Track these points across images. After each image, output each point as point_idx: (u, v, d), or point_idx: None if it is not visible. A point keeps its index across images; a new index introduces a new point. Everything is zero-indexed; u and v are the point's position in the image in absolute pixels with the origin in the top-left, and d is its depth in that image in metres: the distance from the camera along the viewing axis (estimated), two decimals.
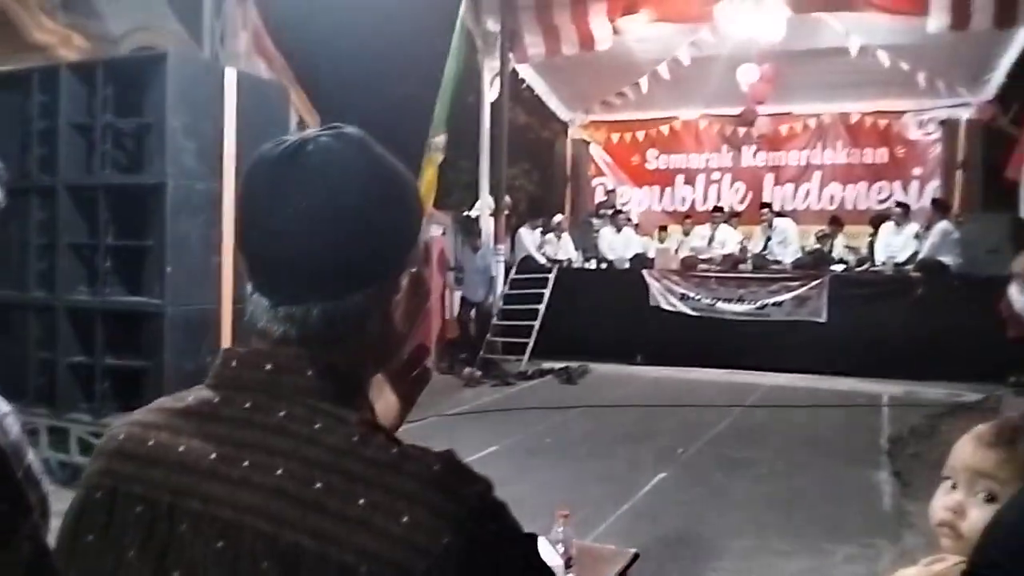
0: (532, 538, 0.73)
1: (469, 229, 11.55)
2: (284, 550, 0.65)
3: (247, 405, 0.72)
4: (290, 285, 0.73)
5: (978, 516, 1.02)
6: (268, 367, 0.73)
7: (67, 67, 4.74)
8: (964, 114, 11.62)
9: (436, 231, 11.05)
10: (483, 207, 11.28)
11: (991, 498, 1.03)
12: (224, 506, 0.68)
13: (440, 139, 10.01)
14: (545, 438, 6.26)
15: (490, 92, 11.04)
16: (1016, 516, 0.65)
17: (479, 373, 9.36)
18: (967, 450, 1.07)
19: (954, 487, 1.08)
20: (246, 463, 0.69)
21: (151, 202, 4.42)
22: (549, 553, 1.98)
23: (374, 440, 0.70)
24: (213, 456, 0.71)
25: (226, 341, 4.58)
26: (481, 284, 10.90)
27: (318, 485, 0.66)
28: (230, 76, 4.69)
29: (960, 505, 1.06)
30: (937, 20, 8.78)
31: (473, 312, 10.79)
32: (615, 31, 10.31)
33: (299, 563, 0.65)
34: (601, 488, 4.89)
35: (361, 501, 0.65)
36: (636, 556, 2.31)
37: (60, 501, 0.99)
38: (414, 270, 0.78)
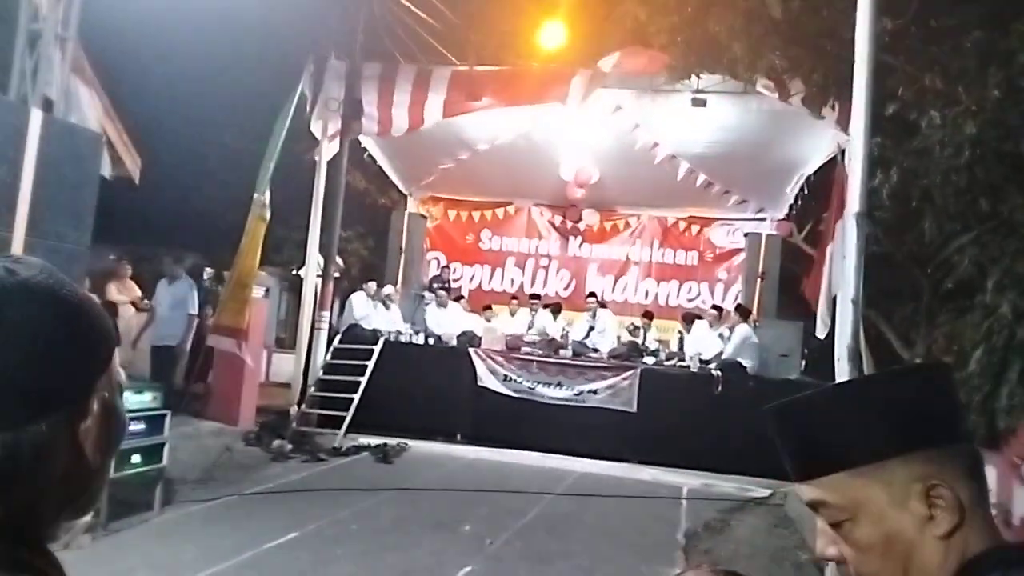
0: None
1: (293, 286, 11.14)
2: None
3: None
4: None
5: None
6: None
7: None
8: (765, 229, 12.91)
9: (258, 292, 10.59)
10: (310, 267, 10.98)
11: None
12: None
13: (264, 197, 9.71)
14: (351, 524, 6.01)
15: (327, 151, 10.92)
16: None
17: (290, 447, 8.90)
18: None
19: None
20: None
21: None
22: None
23: None
24: None
25: None
26: (175, 324, 9.42)
27: None
28: (35, 120, 4.31)
29: None
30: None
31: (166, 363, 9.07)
32: (444, 115, 10.57)
33: None
34: None
35: None
36: None
37: None
38: (106, 395, 0.74)
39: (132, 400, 5.89)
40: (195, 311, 9.75)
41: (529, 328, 11.55)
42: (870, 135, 3.93)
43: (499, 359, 10.52)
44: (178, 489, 6.52)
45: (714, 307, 11.50)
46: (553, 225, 14.10)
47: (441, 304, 11.90)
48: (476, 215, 14.33)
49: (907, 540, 0.84)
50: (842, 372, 4.22)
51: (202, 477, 7.11)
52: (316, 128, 11.00)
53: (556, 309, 12.21)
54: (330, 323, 11.12)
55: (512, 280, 14.18)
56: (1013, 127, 5.91)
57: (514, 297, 12.96)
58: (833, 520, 0.88)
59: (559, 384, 10.23)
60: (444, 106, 10.30)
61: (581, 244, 14.00)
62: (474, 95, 10.24)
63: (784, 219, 12.69)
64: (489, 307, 12.45)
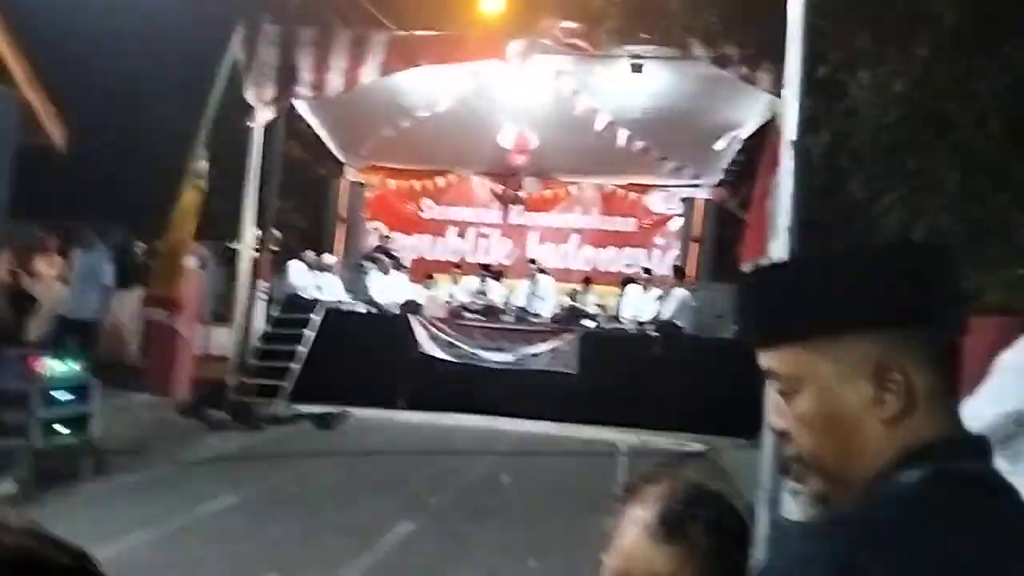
0: None
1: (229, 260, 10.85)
2: None
3: None
4: None
5: None
6: None
7: None
8: (700, 194, 13.12)
9: (192, 263, 10.32)
10: (246, 238, 10.71)
11: None
12: None
13: (202, 165, 9.42)
14: (291, 488, 5.96)
15: (262, 117, 10.61)
16: None
17: (228, 417, 8.73)
18: (641, 550, 0.96)
19: None
20: None
21: None
22: None
23: None
24: None
25: None
26: (88, 295, 8.81)
27: None
28: None
29: None
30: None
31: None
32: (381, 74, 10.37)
33: None
34: (343, 541, 4.71)
35: None
36: None
37: None
38: None
39: (57, 370, 5.71)
40: (110, 282, 9.08)
41: (480, 295, 11.55)
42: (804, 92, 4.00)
43: (441, 326, 10.50)
44: (110, 460, 6.33)
45: (644, 270, 11.68)
46: (494, 194, 14.03)
47: (383, 270, 11.78)
48: (417, 184, 14.16)
49: (850, 420, 0.81)
50: None
51: (135, 448, 6.93)
52: (250, 95, 10.65)
53: (497, 276, 12.23)
54: (268, 294, 10.91)
55: (454, 249, 14.11)
56: (939, 86, 6.10)
57: (456, 266, 12.91)
58: (781, 391, 0.85)
59: (501, 349, 10.28)
60: (381, 68, 10.11)
61: (522, 212, 14.00)
62: (411, 59, 10.08)
63: (718, 185, 12.91)
64: (431, 276, 12.38)
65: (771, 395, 0.90)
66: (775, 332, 0.85)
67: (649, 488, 1.01)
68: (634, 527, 0.97)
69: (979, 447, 0.82)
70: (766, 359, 0.87)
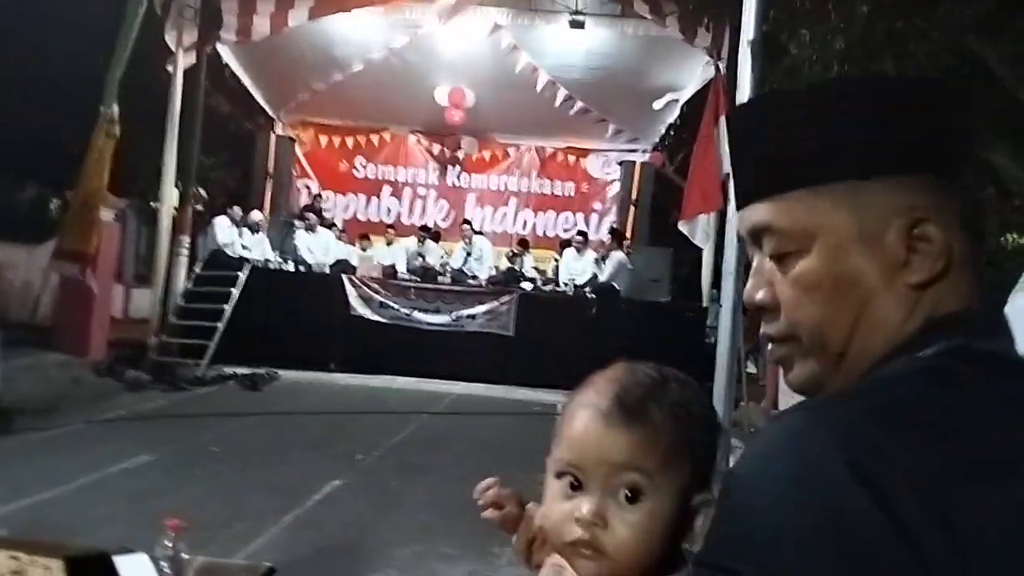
0: None
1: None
2: None
3: None
4: None
5: (623, 524, 0.77)
6: None
7: None
8: (638, 158, 13.08)
9: (107, 216, 9.74)
10: (166, 195, 10.15)
11: (634, 496, 0.77)
12: None
13: (112, 110, 8.82)
14: (212, 447, 5.67)
15: (183, 62, 10.00)
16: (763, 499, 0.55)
17: (147, 377, 8.32)
18: (594, 436, 0.78)
19: (576, 486, 0.79)
20: None
21: None
22: (148, 571, 1.63)
23: None
24: None
25: None
26: None
27: None
28: None
29: (601, 512, 0.77)
30: None
31: None
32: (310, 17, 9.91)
33: None
34: (267, 499, 4.48)
35: None
36: (271, 571, 2.02)
37: None
38: None
39: None
40: None
41: (419, 256, 11.29)
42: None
43: (374, 286, 10.23)
44: (16, 419, 5.94)
45: (579, 233, 11.64)
46: (431, 154, 13.73)
47: (310, 228, 11.37)
48: (350, 141, 13.73)
49: (868, 283, 0.65)
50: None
51: (45, 407, 6.51)
52: (170, 38, 10.05)
53: (435, 238, 12.00)
54: (191, 250, 10.41)
55: (388, 209, 13.77)
56: (878, 43, 6.12)
57: (390, 227, 12.61)
58: (779, 251, 0.68)
59: (437, 310, 10.09)
60: (311, 10, 9.63)
61: (460, 174, 13.74)
62: (342, 2, 9.64)
63: (656, 149, 12.90)
64: (366, 237, 12.04)
65: (756, 264, 0.72)
66: (778, 175, 0.67)
67: (602, 373, 0.83)
68: (584, 412, 0.79)
69: (1008, 326, 0.67)
70: (759, 212, 0.69)
